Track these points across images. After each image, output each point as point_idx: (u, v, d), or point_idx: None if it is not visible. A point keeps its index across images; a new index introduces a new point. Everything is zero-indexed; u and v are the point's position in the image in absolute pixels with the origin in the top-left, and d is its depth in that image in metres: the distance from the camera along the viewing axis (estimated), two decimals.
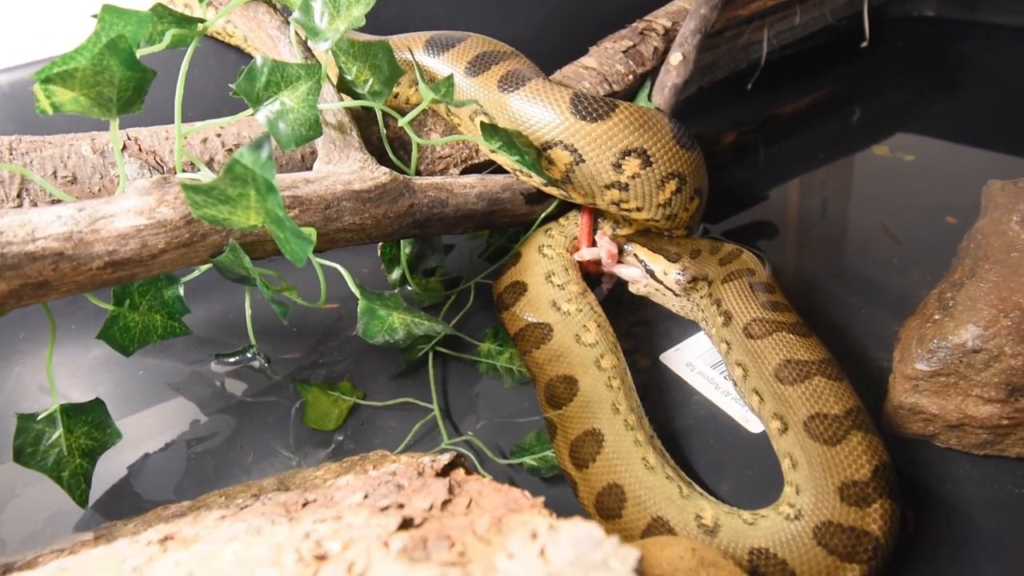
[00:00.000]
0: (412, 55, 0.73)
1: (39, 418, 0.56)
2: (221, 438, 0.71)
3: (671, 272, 0.72)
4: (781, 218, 0.97)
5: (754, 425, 0.66)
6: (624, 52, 0.89)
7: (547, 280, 0.74)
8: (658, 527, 0.55)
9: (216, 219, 0.48)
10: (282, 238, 0.48)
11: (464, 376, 0.76)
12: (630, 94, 0.88)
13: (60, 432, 0.56)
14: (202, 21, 0.60)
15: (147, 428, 0.72)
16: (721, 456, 0.65)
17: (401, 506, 0.43)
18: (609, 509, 0.57)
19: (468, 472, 0.51)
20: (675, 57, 0.87)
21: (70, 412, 0.58)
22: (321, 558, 0.36)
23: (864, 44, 1.15)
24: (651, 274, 0.74)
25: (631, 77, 0.88)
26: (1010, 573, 0.53)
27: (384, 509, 0.43)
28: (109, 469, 0.67)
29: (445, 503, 0.44)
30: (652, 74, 0.89)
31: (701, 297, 0.72)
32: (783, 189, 1.03)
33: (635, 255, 0.74)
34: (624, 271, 0.76)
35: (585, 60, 0.89)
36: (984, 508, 0.57)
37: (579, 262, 0.77)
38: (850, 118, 1.14)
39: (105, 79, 0.49)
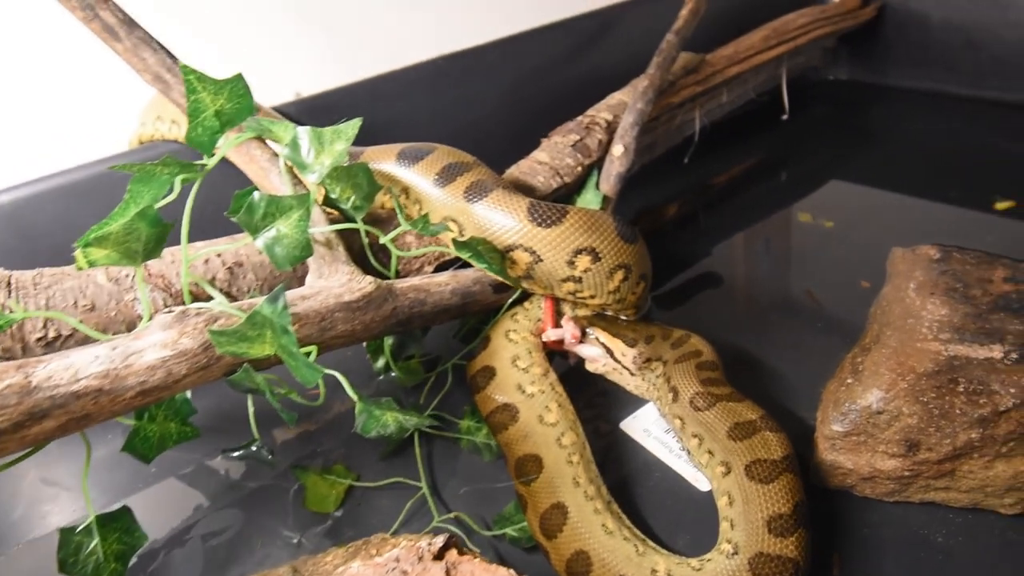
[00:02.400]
0: (383, 167, 0.83)
1: (78, 531, 0.63)
2: (227, 526, 0.78)
3: (628, 354, 0.82)
4: (725, 274, 1.09)
5: (704, 484, 0.77)
6: (572, 146, 1.00)
7: (513, 364, 0.83)
8: None
9: (236, 353, 0.56)
10: (294, 366, 0.57)
11: (447, 452, 0.85)
12: (579, 183, 0.99)
13: (96, 541, 0.64)
14: (204, 165, 0.69)
15: (161, 522, 0.79)
16: (675, 514, 0.74)
17: None
18: (578, 573, 0.66)
19: (460, 551, 0.60)
20: (617, 149, 0.99)
21: (103, 521, 0.65)
22: None
23: (784, 117, 1.29)
24: (610, 354, 0.84)
25: (579, 169, 0.99)
26: None
27: None
28: (134, 567, 0.74)
29: None
30: (598, 164, 1.00)
31: (656, 376, 0.82)
32: (723, 247, 1.15)
33: (596, 338, 0.84)
34: (585, 350, 0.86)
35: (538, 155, 1.00)
36: (895, 547, 0.68)
37: (544, 342, 0.87)
38: (778, 181, 1.28)
39: (134, 238, 0.57)
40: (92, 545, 0.63)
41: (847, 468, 0.72)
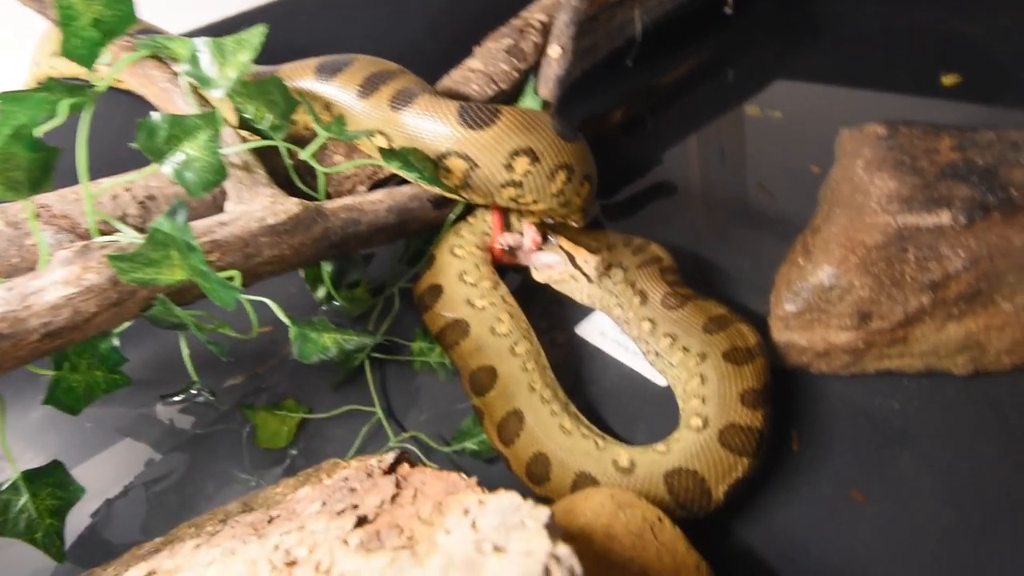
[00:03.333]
0: (302, 83, 0.77)
1: (3, 488, 0.60)
2: (180, 474, 0.75)
3: (591, 260, 0.80)
4: (678, 179, 1.06)
5: (662, 380, 0.75)
6: (506, 51, 0.95)
7: (460, 279, 0.80)
8: (583, 481, 0.63)
9: (143, 281, 0.52)
10: (209, 288, 0.53)
11: (402, 376, 0.82)
12: (516, 90, 0.94)
13: (26, 498, 0.60)
14: (92, 85, 0.63)
15: (107, 477, 0.76)
16: (635, 410, 0.73)
17: (355, 507, 0.49)
18: (538, 475, 0.65)
19: (412, 465, 0.58)
20: (554, 50, 0.94)
21: (31, 478, 0.61)
22: (292, 564, 0.42)
23: (728, 11, 1.24)
24: (571, 260, 0.81)
25: (515, 74, 0.94)
26: (871, 469, 0.64)
27: (341, 512, 0.49)
28: (77, 521, 0.71)
29: (394, 497, 0.50)
30: (535, 69, 0.95)
31: (615, 284, 0.80)
32: (674, 152, 1.12)
33: (560, 245, 0.82)
34: (544, 258, 0.82)
35: (471, 62, 0.94)
36: (852, 418, 0.68)
37: (496, 255, 0.83)
38: (725, 80, 1.24)
39: (13, 165, 0.52)
40: (22, 503, 0.60)
41: (802, 346, 0.71)
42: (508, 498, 0.41)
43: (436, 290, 0.80)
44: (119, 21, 0.57)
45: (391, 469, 0.57)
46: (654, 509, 0.54)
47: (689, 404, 0.68)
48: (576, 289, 0.83)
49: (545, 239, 0.83)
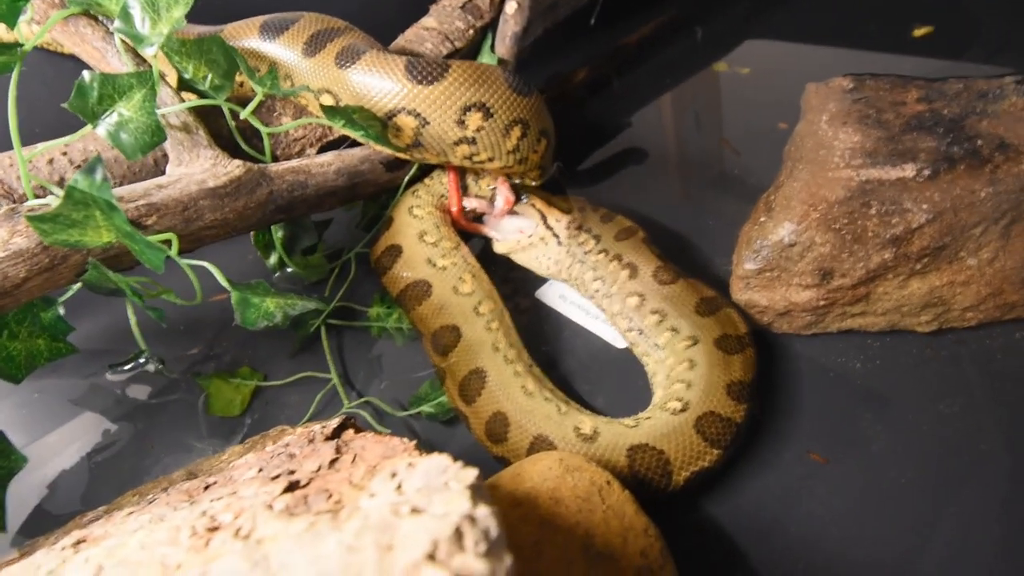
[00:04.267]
0: (246, 43, 0.74)
1: None
2: (131, 442, 0.74)
3: (563, 220, 0.78)
4: (645, 141, 1.04)
5: (621, 343, 0.74)
6: (462, 7, 0.92)
7: (420, 239, 0.78)
8: (540, 444, 0.62)
9: (68, 243, 0.50)
10: (137, 250, 0.50)
11: (359, 342, 0.80)
12: (473, 48, 0.91)
13: None
14: (20, 45, 0.60)
15: (55, 447, 0.74)
16: (596, 374, 0.72)
17: (292, 472, 0.48)
18: (496, 434, 0.64)
19: (358, 431, 0.56)
20: (511, 6, 0.90)
21: None
22: (214, 529, 0.40)
23: None
24: (544, 220, 0.79)
25: (471, 32, 0.90)
26: (832, 430, 0.63)
27: (275, 478, 0.47)
28: (24, 492, 0.69)
29: (332, 462, 0.49)
30: (492, 26, 0.92)
31: (587, 253, 0.77)
32: (642, 114, 1.09)
33: (532, 204, 0.80)
34: (514, 222, 0.80)
35: (425, 21, 0.91)
36: (814, 379, 0.67)
37: (451, 218, 0.81)
38: (693, 38, 1.21)
39: None
40: None
41: (762, 306, 0.69)
42: (437, 460, 0.39)
43: (395, 251, 0.78)
44: None
45: (335, 435, 0.55)
46: (603, 472, 0.53)
47: (672, 388, 0.65)
48: (543, 256, 0.81)
49: (518, 199, 0.81)
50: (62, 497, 0.70)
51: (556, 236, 0.79)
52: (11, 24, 0.54)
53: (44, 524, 0.67)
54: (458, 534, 0.30)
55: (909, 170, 0.67)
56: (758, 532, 0.57)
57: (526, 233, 0.80)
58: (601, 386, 0.71)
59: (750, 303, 0.70)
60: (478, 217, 0.84)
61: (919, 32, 1.05)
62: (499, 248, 0.82)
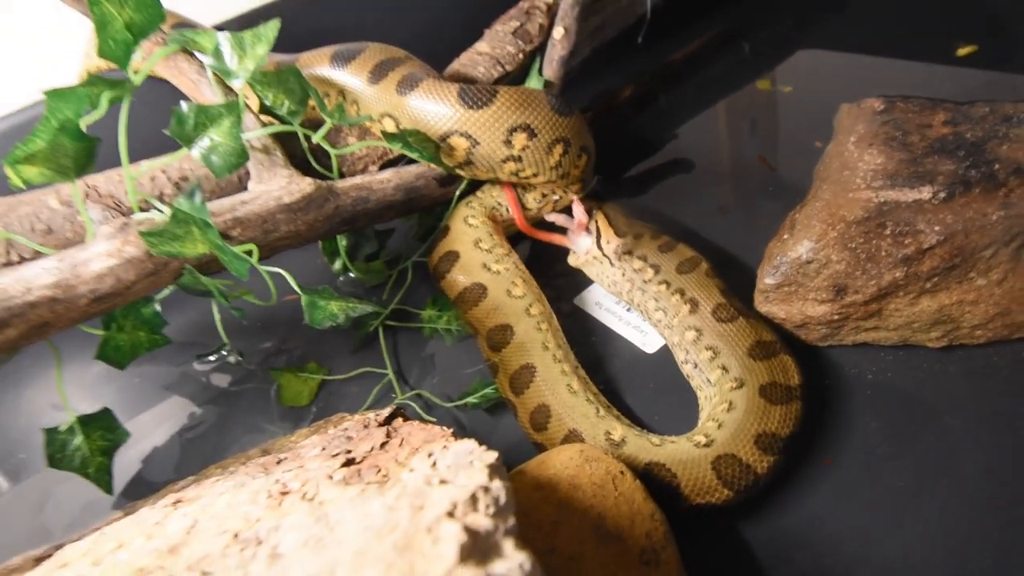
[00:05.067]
0: (318, 71, 0.84)
1: (61, 430, 0.69)
2: (214, 424, 0.84)
3: (613, 242, 0.84)
4: (690, 155, 1.09)
5: (649, 347, 0.80)
6: (513, 33, 0.99)
7: (476, 246, 0.85)
8: (572, 437, 0.69)
9: (171, 253, 0.60)
10: (226, 260, 0.60)
11: (413, 342, 0.89)
12: (523, 71, 0.99)
13: (80, 438, 0.69)
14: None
15: (151, 425, 0.86)
16: (627, 377, 0.78)
17: (349, 451, 0.56)
18: (538, 423, 0.71)
19: (406, 419, 0.65)
20: (558, 31, 0.97)
21: (85, 421, 0.71)
22: (285, 493, 0.49)
23: None
24: (597, 239, 0.85)
25: (521, 56, 0.98)
26: (843, 437, 0.67)
27: (335, 455, 0.56)
28: (126, 463, 0.81)
29: (383, 444, 0.57)
30: (540, 50, 0.99)
31: (648, 282, 0.80)
32: (686, 129, 1.14)
33: (596, 222, 0.86)
34: (585, 239, 0.87)
35: (479, 46, 0.99)
36: (828, 389, 0.71)
37: (501, 227, 0.89)
38: (740, 54, 1.25)
39: (61, 153, 0.60)
40: (76, 442, 0.69)
41: (780, 317, 0.74)
42: (466, 444, 0.47)
43: (452, 256, 0.85)
44: (148, 22, 0.64)
45: (387, 422, 0.64)
46: (617, 463, 0.60)
47: (706, 424, 0.67)
48: (602, 274, 0.86)
49: (589, 214, 0.87)
50: (156, 467, 0.81)
51: (607, 257, 0.85)
52: (123, 66, 0.65)
53: (141, 490, 0.78)
54: (473, 499, 0.37)
55: (926, 192, 0.70)
56: (763, 528, 0.62)
57: (587, 250, 0.87)
58: (630, 389, 0.77)
59: (769, 315, 0.75)
60: (543, 225, 0.91)
61: (963, 51, 1.07)
62: (571, 261, 0.89)
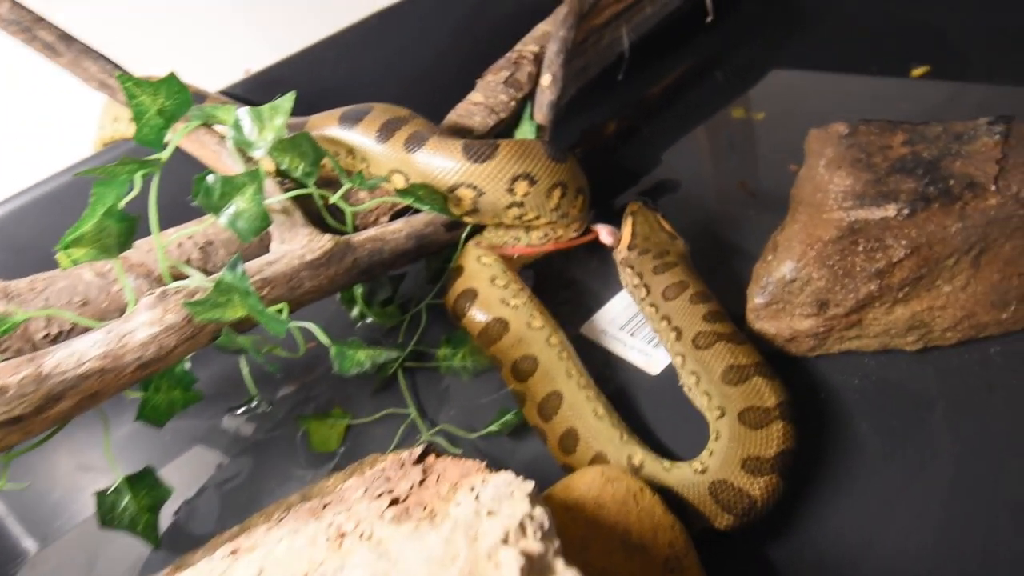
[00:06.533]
0: (328, 132, 0.90)
1: (110, 491, 0.74)
2: (246, 474, 0.89)
3: (621, 251, 0.91)
4: (675, 176, 1.16)
5: (654, 369, 0.86)
6: (504, 82, 1.06)
7: (492, 283, 0.89)
8: (598, 460, 0.74)
9: (212, 319, 0.65)
10: (264, 321, 0.66)
11: (430, 380, 0.94)
12: (515, 117, 1.05)
13: (128, 497, 0.74)
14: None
15: (186, 478, 0.90)
16: (633, 401, 0.84)
17: (391, 491, 0.62)
18: (567, 447, 0.76)
19: (437, 455, 0.70)
20: (546, 78, 1.05)
21: (131, 481, 0.75)
22: (342, 536, 0.54)
23: (709, 19, 1.33)
24: (616, 246, 0.93)
25: (513, 103, 1.05)
26: (836, 439, 0.74)
27: (379, 496, 0.61)
28: (165, 516, 0.85)
29: (421, 481, 0.63)
30: (530, 96, 1.06)
31: (642, 301, 0.87)
32: (671, 153, 1.21)
33: (629, 220, 0.93)
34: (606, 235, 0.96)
35: (473, 96, 1.06)
36: (818, 394, 0.78)
37: (508, 258, 0.94)
38: (714, 82, 1.33)
39: (106, 235, 0.65)
40: (125, 501, 0.74)
41: (771, 333, 0.81)
42: (504, 476, 0.53)
43: (470, 294, 0.89)
44: (179, 107, 0.70)
45: (419, 460, 0.69)
46: (637, 481, 0.66)
47: (704, 451, 0.72)
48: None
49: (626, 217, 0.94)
50: (197, 520, 0.85)
51: (618, 263, 0.92)
52: (157, 147, 0.70)
53: (183, 543, 0.82)
54: (522, 527, 0.43)
55: (891, 210, 0.77)
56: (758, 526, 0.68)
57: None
58: (640, 413, 0.83)
59: (762, 332, 0.81)
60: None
61: (917, 72, 1.15)
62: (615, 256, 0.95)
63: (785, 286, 0.79)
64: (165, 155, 0.76)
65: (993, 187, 0.75)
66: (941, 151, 0.82)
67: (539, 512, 0.45)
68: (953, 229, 0.74)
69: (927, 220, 0.75)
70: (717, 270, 0.96)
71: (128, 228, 0.68)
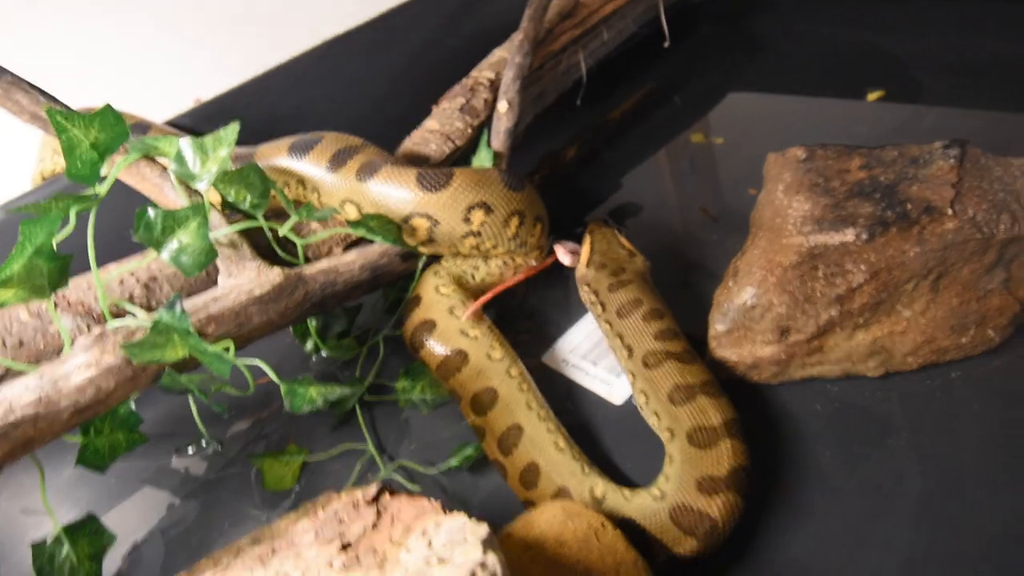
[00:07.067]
0: (277, 162, 0.88)
1: (48, 543, 0.70)
2: (197, 516, 0.85)
3: (580, 270, 0.91)
4: (635, 200, 1.15)
5: (617, 398, 0.84)
6: (460, 109, 1.05)
7: (451, 313, 0.87)
8: (561, 495, 0.71)
9: (152, 360, 0.62)
10: (207, 361, 0.63)
11: (389, 413, 0.91)
12: (472, 144, 1.04)
13: (67, 548, 0.70)
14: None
15: (134, 522, 0.86)
16: (595, 430, 0.82)
17: (342, 534, 0.59)
18: (528, 482, 0.74)
19: (392, 494, 0.67)
20: (502, 105, 1.04)
21: (70, 531, 0.71)
22: None
23: (666, 44, 1.34)
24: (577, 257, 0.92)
25: (469, 130, 1.04)
26: (799, 467, 0.73)
27: (330, 540, 0.58)
28: (111, 564, 0.80)
29: (375, 524, 0.60)
30: (487, 123, 1.05)
31: (598, 318, 0.87)
32: (631, 177, 1.21)
33: (588, 240, 0.93)
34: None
35: (428, 123, 1.04)
36: (780, 421, 0.77)
37: (470, 293, 0.91)
38: (673, 106, 1.34)
39: (36, 274, 0.62)
40: (64, 552, 0.70)
41: (733, 361, 0.80)
42: (457, 520, 0.50)
43: (429, 325, 0.86)
44: (115, 140, 0.67)
45: (374, 499, 0.66)
46: (598, 516, 0.64)
47: (659, 478, 0.71)
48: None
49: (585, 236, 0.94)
50: (144, 567, 0.81)
51: (577, 281, 0.91)
52: (91, 183, 0.67)
53: None
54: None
55: (850, 234, 0.77)
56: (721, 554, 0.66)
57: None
58: (600, 442, 0.81)
59: (723, 359, 0.80)
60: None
61: (872, 96, 1.17)
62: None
63: (746, 312, 0.78)
64: (103, 190, 0.73)
65: (950, 211, 0.75)
66: (898, 175, 0.82)
67: (491, 560, 0.42)
68: (912, 253, 0.74)
69: (886, 245, 0.75)
70: (680, 295, 0.95)
71: (61, 267, 0.64)
